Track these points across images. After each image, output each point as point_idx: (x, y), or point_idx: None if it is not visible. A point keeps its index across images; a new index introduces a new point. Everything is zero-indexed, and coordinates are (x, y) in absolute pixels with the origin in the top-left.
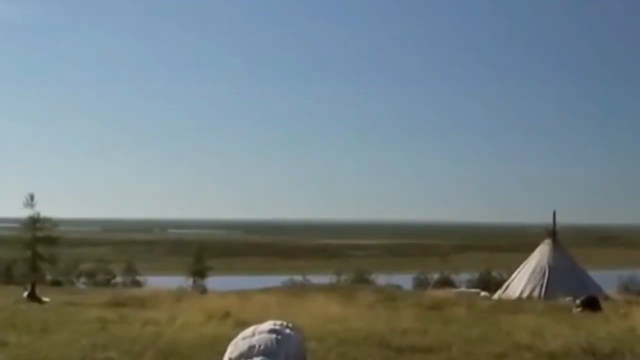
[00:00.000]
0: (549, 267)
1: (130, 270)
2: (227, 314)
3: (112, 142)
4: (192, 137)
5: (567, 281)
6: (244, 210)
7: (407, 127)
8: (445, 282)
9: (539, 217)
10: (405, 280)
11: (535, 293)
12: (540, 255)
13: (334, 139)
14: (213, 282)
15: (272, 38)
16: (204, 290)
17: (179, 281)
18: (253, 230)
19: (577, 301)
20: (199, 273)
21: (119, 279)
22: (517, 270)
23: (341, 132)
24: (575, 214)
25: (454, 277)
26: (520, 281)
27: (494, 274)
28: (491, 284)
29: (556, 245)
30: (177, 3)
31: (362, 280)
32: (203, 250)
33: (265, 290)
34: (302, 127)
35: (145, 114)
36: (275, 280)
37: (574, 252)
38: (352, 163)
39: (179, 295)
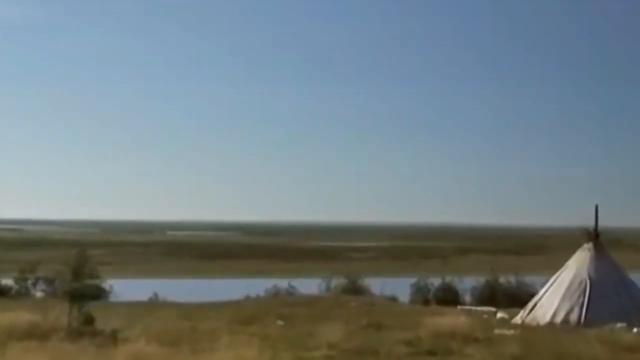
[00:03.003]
0: (591, 280)
1: (92, 276)
2: None
3: (112, 142)
4: (192, 137)
5: (616, 300)
6: (244, 212)
7: (407, 127)
8: (448, 290)
9: (538, 217)
10: (403, 286)
11: (573, 317)
12: (578, 264)
13: (334, 139)
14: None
15: (272, 38)
16: (88, 320)
17: (156, 284)
18: (253, 232)
19: None
20: (78, 295)
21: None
22: (547, 285)
23: (341, 132)
24: (575, 214)
25: (456, 282)
26: (553, 299)
27: (502, 280)
28: (498, 291)
29: (599, 251)
30: (177, 3)
31: (353, 288)
32: (84, 259)
33: (201, 311)
34: (302, 127)
35: (145, 114)
36: (266, 284)
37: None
38: (352, 163)
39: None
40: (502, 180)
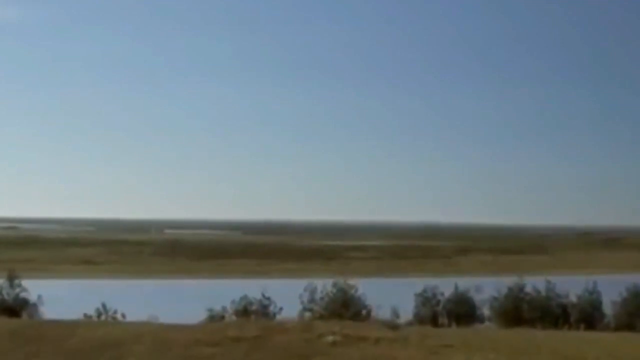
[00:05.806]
0: None
1: (11, 280)
2: None
3: (110, 141)
4: (192, 136)
5: None
6: (243, 211)
7: (407, 127)
8: (461, 302)
9: (538, 217)
10: (404, 290)
11: None
12: None
13: (334, 139)
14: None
15: (272, 38)
16: None
17: (145, 286)
18: (252, 231)
19: None
20: None
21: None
22: None
23: (341, 132)
24: (576, 215)
25: (466, 288)
26: None
27: (528, 288)
28: (523, 303)
29: None
30: (177, 3)
31: (343, 299)
32: None
33: None
34: (302, 127)
35: (145, 114)
36: (263, 284)
37: (579, 256)
38: (352, 163)
39: None
40: (502, 180)
